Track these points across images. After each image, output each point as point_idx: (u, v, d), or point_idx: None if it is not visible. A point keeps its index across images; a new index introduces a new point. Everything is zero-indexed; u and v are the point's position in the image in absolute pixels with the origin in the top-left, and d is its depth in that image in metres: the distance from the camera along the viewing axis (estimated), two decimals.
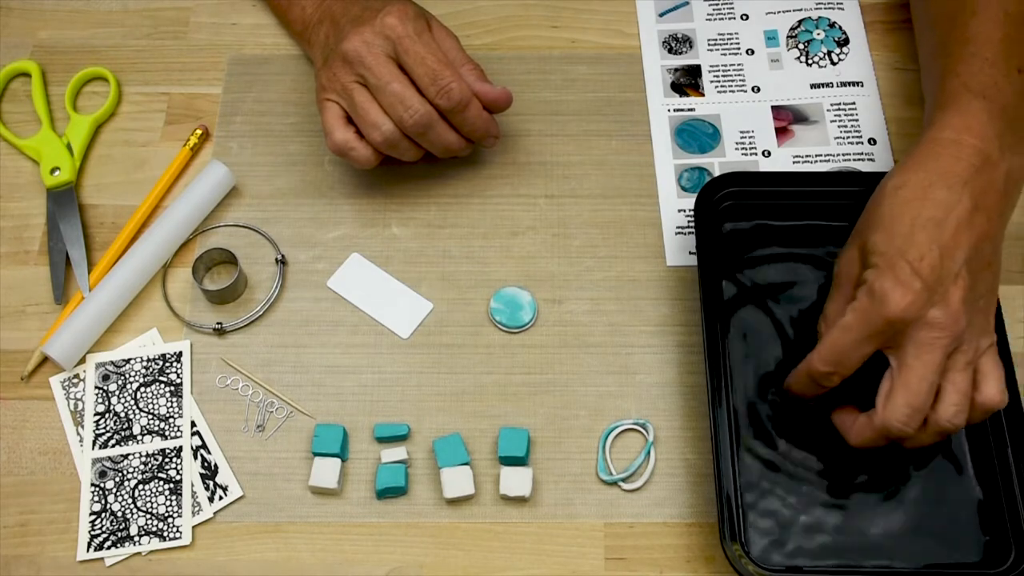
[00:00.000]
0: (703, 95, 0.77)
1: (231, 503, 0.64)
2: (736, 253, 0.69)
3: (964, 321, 0.55)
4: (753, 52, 0.79)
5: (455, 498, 0.63)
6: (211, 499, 0.64)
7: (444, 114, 0.66)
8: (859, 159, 0.74)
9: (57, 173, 0.73)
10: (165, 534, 0.63)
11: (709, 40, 0.79)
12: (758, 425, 0.64)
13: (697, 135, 0.75)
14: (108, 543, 0.62)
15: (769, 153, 0.74)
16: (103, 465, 0.65)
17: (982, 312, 0.57)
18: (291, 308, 0.70)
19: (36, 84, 0.77)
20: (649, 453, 0.64)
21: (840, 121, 0.75)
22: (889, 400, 0.56)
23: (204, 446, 0.65)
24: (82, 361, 0.67)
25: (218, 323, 0.68)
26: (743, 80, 0.77)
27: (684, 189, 0.73)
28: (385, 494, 0.63)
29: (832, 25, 0.80)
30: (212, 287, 0.68)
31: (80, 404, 0.66)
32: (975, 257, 0.56)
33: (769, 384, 0.65)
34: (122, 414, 0.66)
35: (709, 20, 0.80)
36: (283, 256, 0.71)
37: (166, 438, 0.65)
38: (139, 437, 0.65)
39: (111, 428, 0.66)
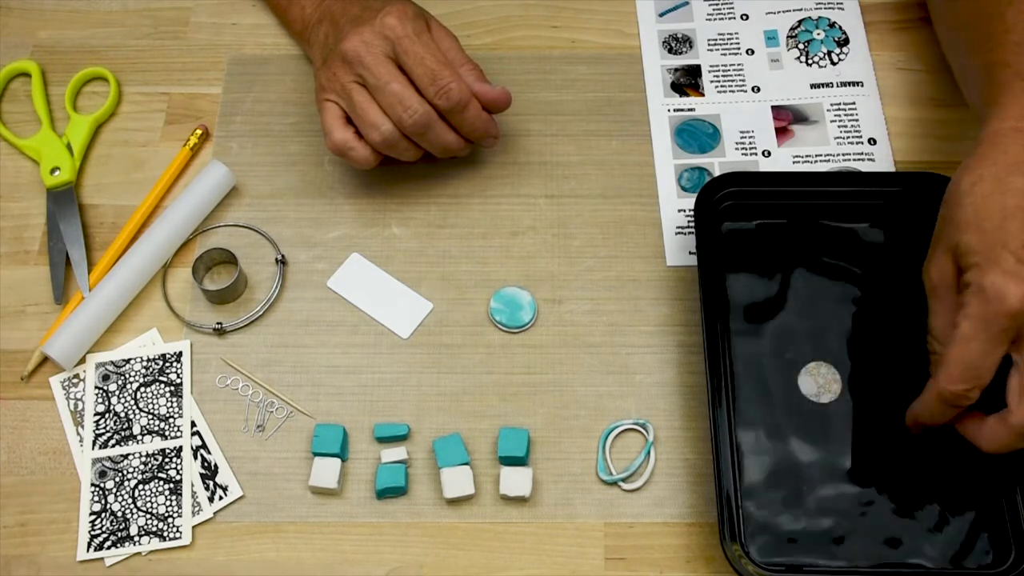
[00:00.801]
0: (703, 95, 0.77)
1: (231, 503, 0.64)
2: (736, 253, 0.69)
3: None
4: (753, 52, 0.79)
5: (455, 498, 0.63)
6: (211, 499, 0.64)
7: (443, 114, 0.66)
8: (859, 159, 0.74)
9: (57, 173, 0.73)
10: (165, 534, 0.63)
11: (709, 40, 0.79)
12: (758, 425, 0.64)
13: (697, 135, 0.75)
14: (108, 543, 0.62)
15: (769, 153, 0.74)
16: (103, 465, 0.65)
17: None
18: (291, 308, 0.70)
19: (36, 84, 0.77)
20: (649, 453, 0.64)
21: (840, 121, 0.75)
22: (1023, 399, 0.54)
23: (204, 446, 0.65)
24: (82, 361, 0.67)
25: (218, 323, 0.68)
26: (743, 80, 0.77)
27: (684, 189, 0.73)
28: (385, 494, 0.63)
29: (832, 25, 0.79)
30: (212, 287, 0.68)
31: (80, 404, 0.67)
32: None
33: (769, 383, 0.65)
34: (122, 414, 0.66)
35: (709, 20, 0.80)
36: (283, 256, 0.71)
37: (166, 438, 0.65)
38: (139, 437, 0.65)
39: (111, 428, 0.66)
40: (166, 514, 0.63)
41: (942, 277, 0.57)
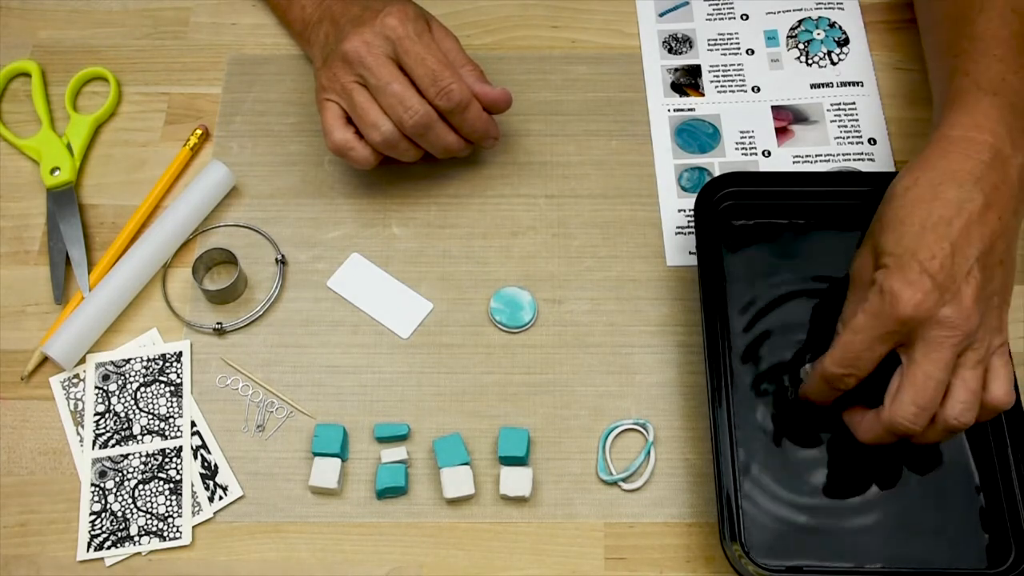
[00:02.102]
0: (703, 95, 0.77)
1: (231, 503, 0.64)
2: (736, 253, 0.69)
3: (976, 319, 0.55)
4: (753, 52, 0.79)
5: (455, 498, 0.63)
6: (211, 499, 0.64)
7: (444, 115, 0.66)
8: (859, 159, 0.74)
9: (57, 173, 0.73)
10: (165, 534, 0.63)
11: (709, 40, 0.79)
12: (758, 425, 0.64)
13: (697, 135, 0.75)
14: (108, 543, 0.62)
15: (769, 153, 0.74)
16: (103, 465, 0.65)
17: (995, 309, 0.57)
18: (291, 308, 0.70)
19: (36, 84, 0.77)
20: (649, 453, 0.64)
21: (840, 121, 0.75)
22: (896, 398, 0.56)
23: (204, 446, 0.65)
24: (82, 361, 0.67)
25: (218, 323, 0.68)
26: (743, 80, 0.77)
27: (684, 189, 0.73)
28: (385, 494, 0.63)
29: (832, 25, 0.80)
30: (212, 287, 0.68)
31: (80, 404, 0.67)
32: (988, 254, 0.56)
33: (769, 383, 0.65)
34: (122, 414, 0.66)
35: (709, 20, 0.80)
36: (283, 256, 0.71)
37: (166, 438, 0.65)
38: (139, 437, 0.65)
39: (111, 428, 0.66)
40: (166, 514, 0.63)
41: (861, 272, 0.59)
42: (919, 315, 0.54)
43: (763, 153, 0.74)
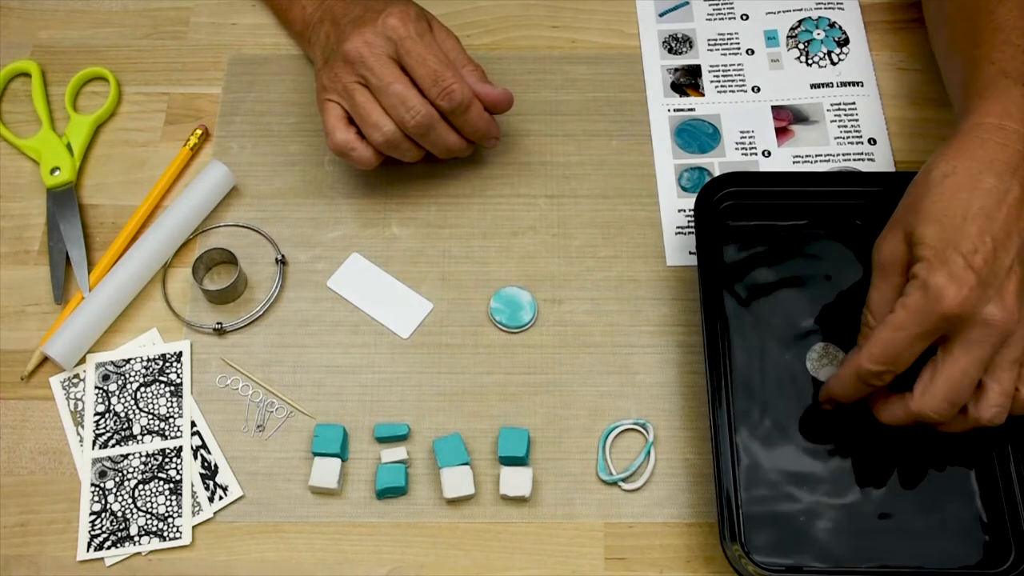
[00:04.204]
0: (703, 95, 0.77)
1: (231, 503, 0.64)
2: (736, 253, 0.69)
3: (1017, 316, 0.54)
4: (753, 52, 0.79)
5: (455, 498, 0.63)
6: (211, 499, 0.64)
7: (445, 115, 0.66)
8: (859, 159, 0.74)
9: (57, 173, 0.73)
10: (165, 534, 0.63)
11: (709, 40, 0.79)
12: (758, 424, 0.64)
13: (697, 135, 0.75)
14: (108, 543, 0.62)
15: (769, 153, 0.74)
16: (103, 465, 0.65)
17: None
18: (291, 308, 0.70)
19: (36, 84, 0.77)
20: (649, 453, 0.64)
21: (840, 121, 0.75)
22: (929, 390, 0.55)
23: (204, 446, 0.65)
24: (82, 361, 0.67)
25: (218, 323, 0.68)
26: (743, 80, 0.77)
27: (684, 189, 0.73)
28: (385, 494, 0.63)
29: (832, 25, 0.80)
30: (212, 287, 0.68)
31: (80, 404, 0.67)
32: None
33: (769, 383, 0.65)
34: (122, 414, 0.66)
35: (709, 20, 0.80)
36: (283, 256, 0.71)
37: (166, 438, 0.65)
38: (139, 437, 0.65)
39: (111, 428, 0.66)
40: (166, 514, 0.63)
41: (892, 257, 0.58)
42: (964, 312, 0.53)
43: (763, 153, 0.74)
